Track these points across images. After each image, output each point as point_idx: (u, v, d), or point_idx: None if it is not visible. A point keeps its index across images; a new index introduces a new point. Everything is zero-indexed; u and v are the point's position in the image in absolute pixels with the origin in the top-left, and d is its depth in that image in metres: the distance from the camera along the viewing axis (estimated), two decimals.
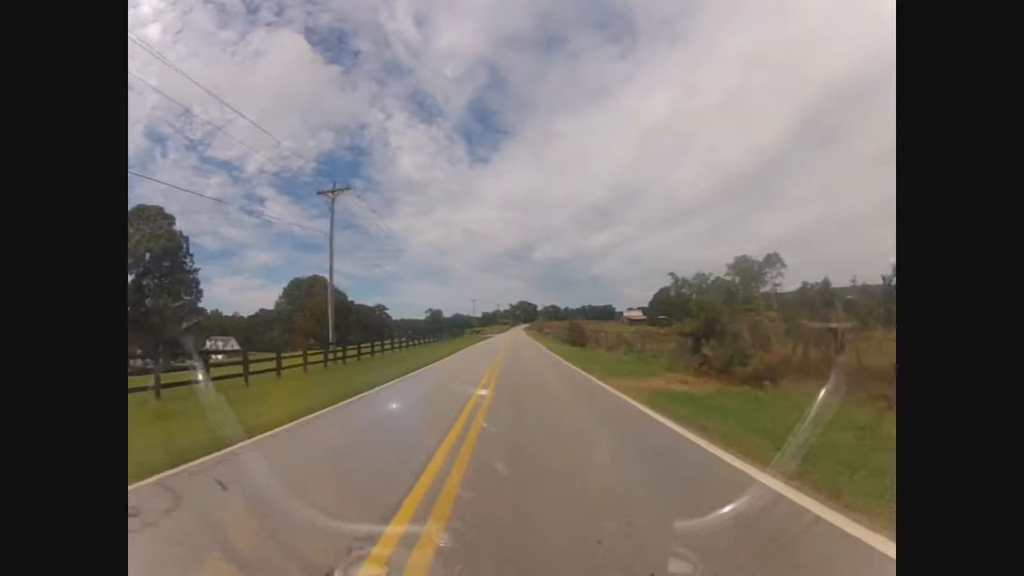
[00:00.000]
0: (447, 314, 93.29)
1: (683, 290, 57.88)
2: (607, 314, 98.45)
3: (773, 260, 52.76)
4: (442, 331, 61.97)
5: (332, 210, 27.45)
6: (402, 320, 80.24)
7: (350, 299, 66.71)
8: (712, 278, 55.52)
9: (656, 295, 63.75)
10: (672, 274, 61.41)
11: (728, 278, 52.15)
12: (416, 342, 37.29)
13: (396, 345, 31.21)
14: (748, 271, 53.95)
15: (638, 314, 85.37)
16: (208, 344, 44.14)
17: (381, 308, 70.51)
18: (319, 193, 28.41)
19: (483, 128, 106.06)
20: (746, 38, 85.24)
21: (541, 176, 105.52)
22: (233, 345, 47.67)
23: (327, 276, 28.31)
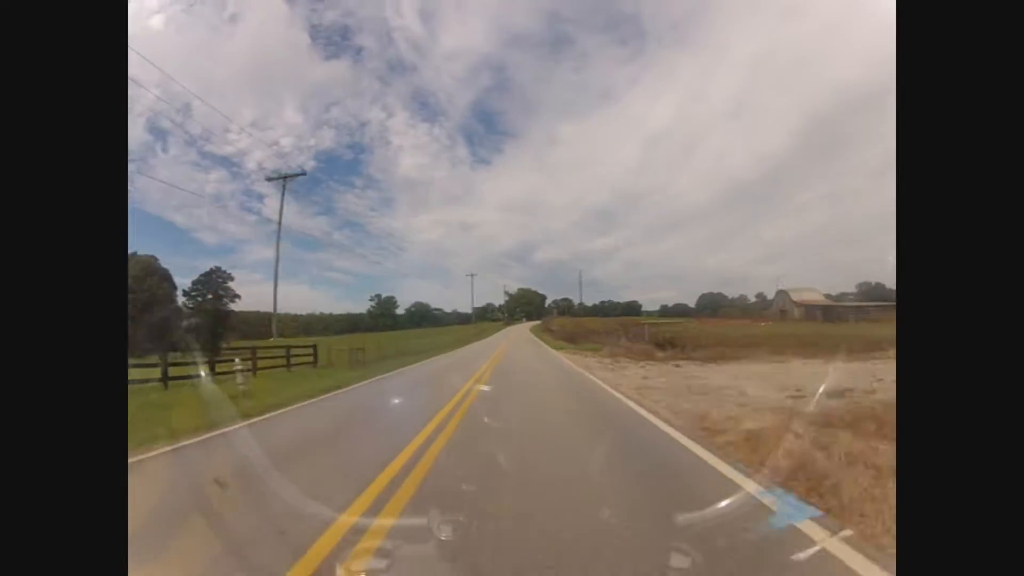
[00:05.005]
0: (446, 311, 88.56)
1: None
2: (632, 311, 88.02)
3: None
4: None
5: (282, 196, 29.02)
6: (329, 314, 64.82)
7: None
8: None
9: None
10: None
11: None
12: None
13: None
14: None
15: (816, 297, 53.34)
16: None
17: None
18: (267, 179, 29.03)
19: (485, 129, 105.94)
20: (754, 45, 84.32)
21: (544, 179, 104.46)
22: None
23: None
